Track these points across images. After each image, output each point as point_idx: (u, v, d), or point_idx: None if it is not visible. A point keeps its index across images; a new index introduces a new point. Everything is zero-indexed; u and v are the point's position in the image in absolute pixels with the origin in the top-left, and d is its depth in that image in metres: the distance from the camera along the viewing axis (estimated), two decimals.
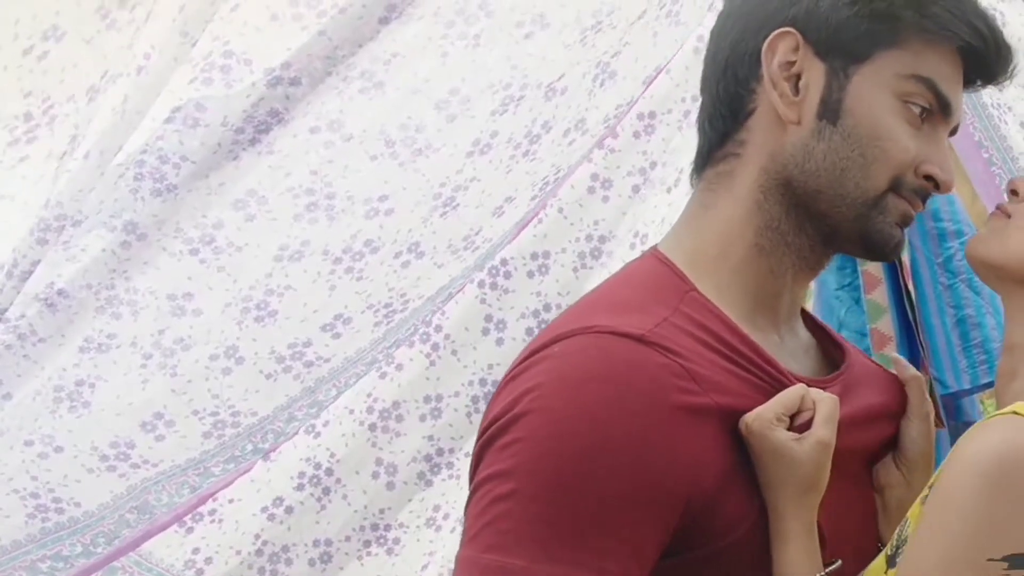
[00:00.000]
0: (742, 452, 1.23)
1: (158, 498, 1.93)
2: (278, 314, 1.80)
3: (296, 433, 1.98)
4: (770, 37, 1.27)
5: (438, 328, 1.96)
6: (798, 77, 1.27)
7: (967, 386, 2.24)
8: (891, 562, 1.21)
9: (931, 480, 1.22)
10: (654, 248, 1.35)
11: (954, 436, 2.21)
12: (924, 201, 1.29)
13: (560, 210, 1.96)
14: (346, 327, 1.84)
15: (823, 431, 1.23)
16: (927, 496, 1.19)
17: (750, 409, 1.22)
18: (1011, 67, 1.32)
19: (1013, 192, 1.35)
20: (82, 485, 1.87)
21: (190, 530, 2.01)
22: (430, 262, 1.83)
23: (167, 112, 1.65)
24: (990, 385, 2.17)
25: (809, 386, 1.27)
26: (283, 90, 1.63)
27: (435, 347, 1.98)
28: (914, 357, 2.29)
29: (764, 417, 1.21)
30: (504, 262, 1.96)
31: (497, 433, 1.18)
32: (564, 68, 1.80)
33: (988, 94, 2.34)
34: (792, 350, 1.34)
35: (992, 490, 1.10)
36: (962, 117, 1.34)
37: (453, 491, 2.10)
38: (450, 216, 1.78)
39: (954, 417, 2.28)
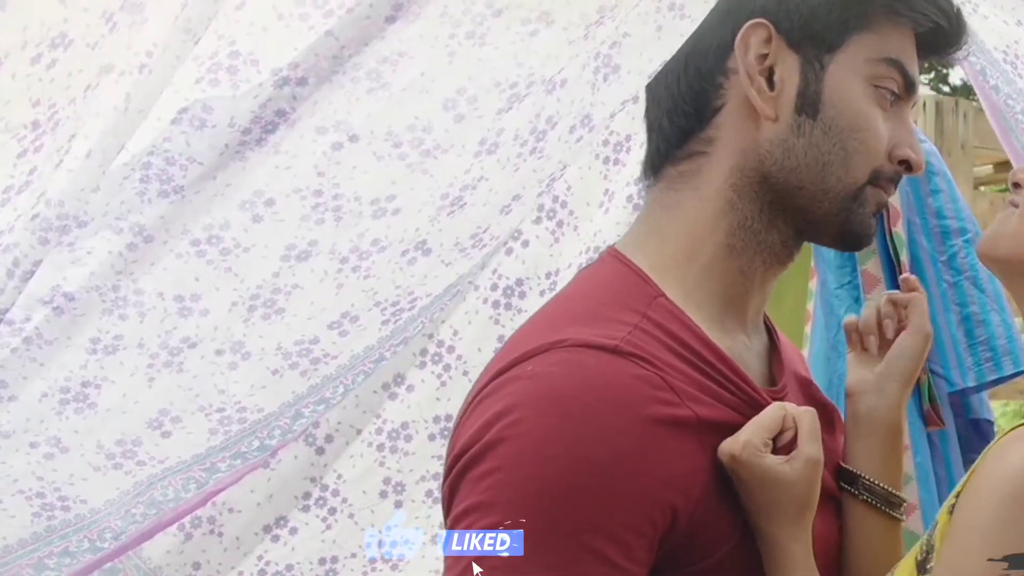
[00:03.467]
0: (723, 467, 1.19)
1: (164, 493, 1.92)
2: (285, 312, 1.79)
3: (299, 437, 1.97)
4: (743, 29, 1.23)
5: (450, 349, 1.94)
6: (771, 70, 1.24)
7: (973, 383, 2.25)
8: (921, 568, 1.20)
9: (958, 488, 1.21)
10: (612, 250, 1.31)
11: (961, 433, 2.23)
12: (896, 184, 1.28)
13: (575, 228, 1.94)
14: (353, 325, 1.83)
15: (811, 448, 1.19)
16: (954, 504, 1.18)
17: (725, 421, 1.19)
18: (964, 39, 1.30)
19: (1016, 185, 1.33)
20: (88, 483, 1.87)
21: (188, 536, 2.00)
22: (437, 260, 1.82)
23: (173, 113, 1.63)
24: (997, 382, 2.18)
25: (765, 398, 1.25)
26: (290, 90, 1.61)
27: (446, 367, 1.96)
28: None
29: (753, 444, 1.17)
30: (519, 282, 1.94)
31: (471, 462, 1.15)
32: (564, 62, 1.79)
33: None
34: (758, 351, 1.33)
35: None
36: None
37: None
38: (458, 215, 1.77)
39: (962, 414, 2.30)
